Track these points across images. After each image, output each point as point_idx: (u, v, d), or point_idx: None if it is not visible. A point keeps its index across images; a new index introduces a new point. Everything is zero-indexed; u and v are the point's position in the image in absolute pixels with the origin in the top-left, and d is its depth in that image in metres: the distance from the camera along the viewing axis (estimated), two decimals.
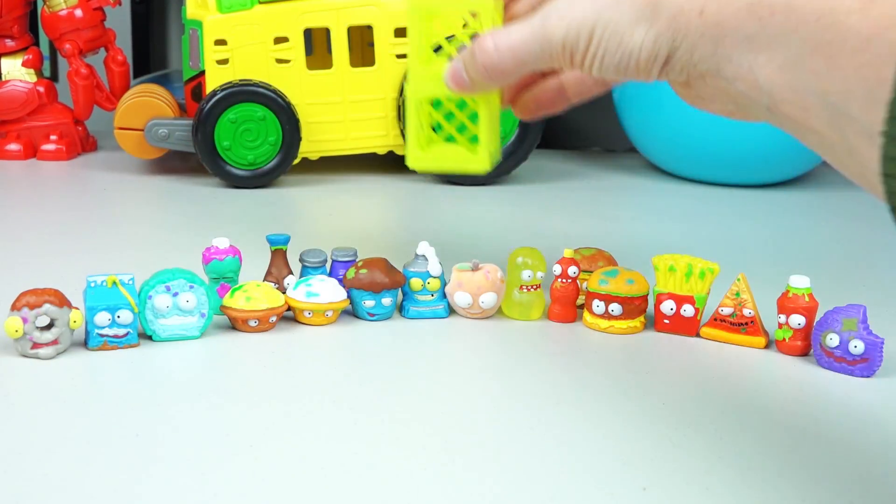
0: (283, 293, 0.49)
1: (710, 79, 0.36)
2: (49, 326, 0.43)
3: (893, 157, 0.28)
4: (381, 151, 0.88)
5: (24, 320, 0.42)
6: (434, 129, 0.50)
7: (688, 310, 0.49)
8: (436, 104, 0.50)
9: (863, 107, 0.29)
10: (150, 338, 0.46)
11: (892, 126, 0.28)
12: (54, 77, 1.20)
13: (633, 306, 0.49)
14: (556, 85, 0.52)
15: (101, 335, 0.44)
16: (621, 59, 0.39)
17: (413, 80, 0.48)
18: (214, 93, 0.80)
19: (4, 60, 0.96)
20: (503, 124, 0.85)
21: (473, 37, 0.46)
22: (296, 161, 0.84)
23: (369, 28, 0.85)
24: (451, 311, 0.52)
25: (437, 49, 0.49)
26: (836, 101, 0.30)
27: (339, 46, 0.84)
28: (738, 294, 0.48)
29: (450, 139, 0.51)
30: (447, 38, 0.49)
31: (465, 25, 0.48)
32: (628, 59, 0.38)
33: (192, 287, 0.46)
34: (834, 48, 0.30)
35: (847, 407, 0.42)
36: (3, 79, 0.95)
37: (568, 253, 0.52)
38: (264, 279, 0.52)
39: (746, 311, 0.48)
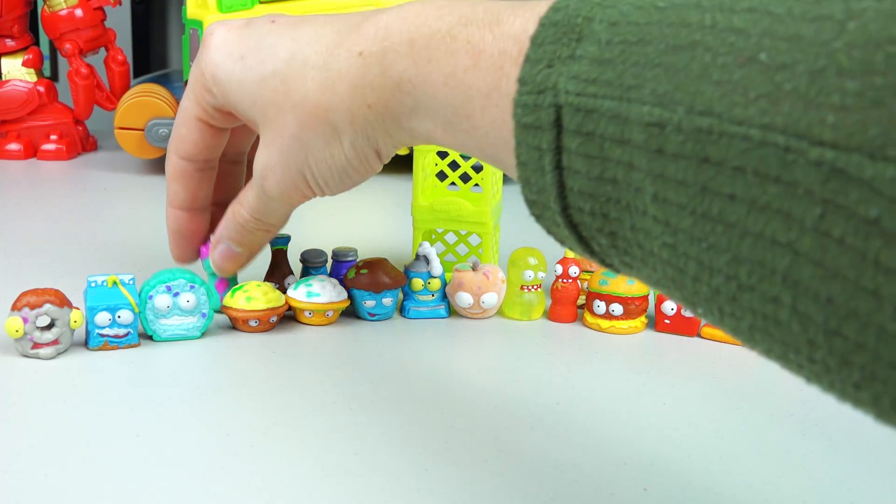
0: (284, 293, 0.49)
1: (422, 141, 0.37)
2: (49, 326, 0.43)
3: (532, 199, 0.28)
4: None
5: (25, 320, 0.42)
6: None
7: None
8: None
9: (510, 155, 0.28)
10: (150, 338, 0.46)
11: (521, 170, 0.27)
12: (54, 77, 1.20)
13: (634, 306, 0.49)
14: None
15: (102, 335, 0.44)
16: (341, 177, 0.39)
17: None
18: None
19: (4, 60, 0.95)
20: None
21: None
22: None
23: None
24: (451, 311, 0.52)
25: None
26: (492, 153, 0.31)
27: None
28: None
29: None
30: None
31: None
32: (346, 173, 0.39)
33: (192, 287, 0.46)
34: (468, 108, 0.30)
35: (847, 407, 0.42)
36: (3, 79, 0.95)
37: (569, 253, 0.52)
38: (265, 279, 0.52)
39: None
